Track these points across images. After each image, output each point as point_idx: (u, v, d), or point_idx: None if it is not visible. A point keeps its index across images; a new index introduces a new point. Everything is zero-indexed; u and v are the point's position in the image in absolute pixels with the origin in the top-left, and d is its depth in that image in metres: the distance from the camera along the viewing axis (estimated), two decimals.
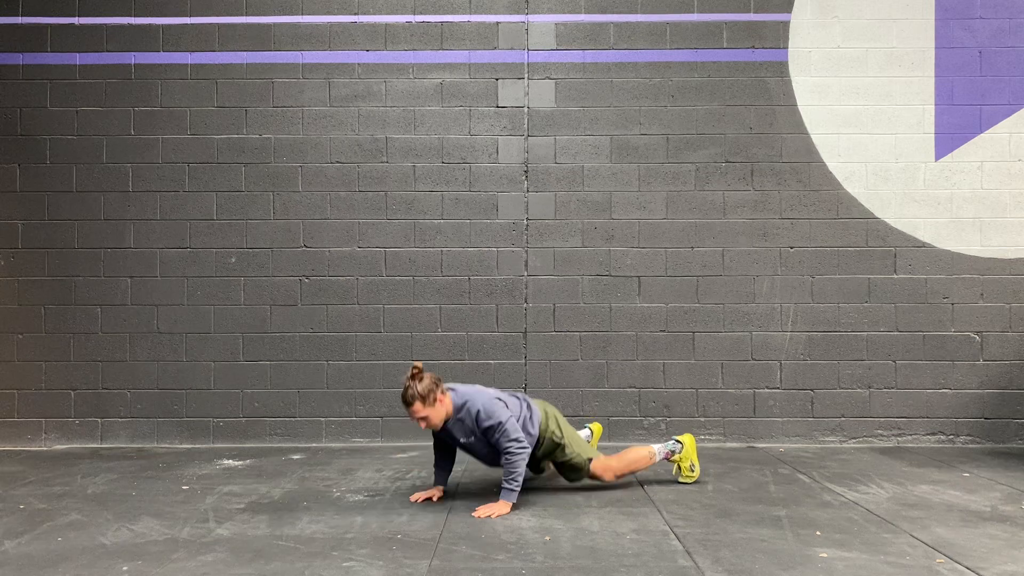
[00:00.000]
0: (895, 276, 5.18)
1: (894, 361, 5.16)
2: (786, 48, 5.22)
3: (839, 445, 5.12)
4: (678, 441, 4.07)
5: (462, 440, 3.64)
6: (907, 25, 5.22)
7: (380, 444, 5.11)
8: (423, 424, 3.51)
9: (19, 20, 5.21)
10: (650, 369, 5.16)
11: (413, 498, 3.73)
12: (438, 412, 3.50)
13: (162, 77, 5.21)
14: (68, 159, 5.19)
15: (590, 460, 3.85)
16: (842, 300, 5.17)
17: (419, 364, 3.51)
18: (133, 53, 5.22)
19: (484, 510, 3.48)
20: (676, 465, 4.06)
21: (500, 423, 3.51)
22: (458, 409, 3.57)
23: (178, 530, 3.30)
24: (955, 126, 5.20)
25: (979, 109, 5.20)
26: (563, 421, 3.87)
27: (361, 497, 3.82)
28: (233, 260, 5.19)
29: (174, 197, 5.20)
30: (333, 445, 5.12)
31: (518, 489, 3.54)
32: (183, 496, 3.86)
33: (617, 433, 5.11)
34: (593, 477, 3.87)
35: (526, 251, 5.20)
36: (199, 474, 4.33)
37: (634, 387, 5.16)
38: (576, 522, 3.39)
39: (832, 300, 5.18)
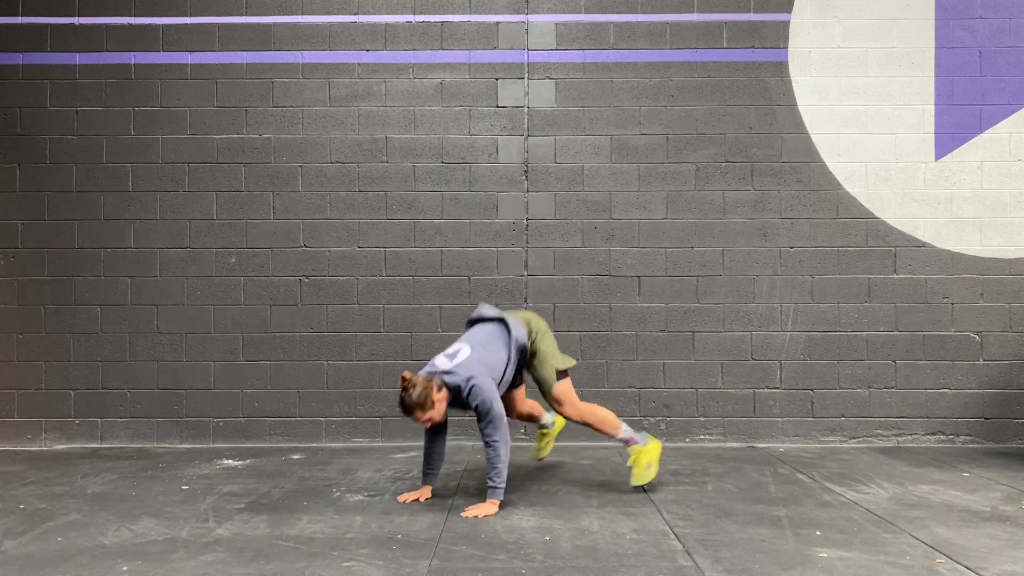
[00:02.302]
0: (895, 276, 5.18)
1: (894, 361, 5.16)
2: (786, 48, 5.22)
3: (839, 445, 5.12)
4: (647, 438, 3.97)
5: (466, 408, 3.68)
6: (907, 25, 5.22)
7: (380, 444, 5.11)
8: (428, 424, 3.56)
9: (19, 20, 5.21)
10: (650, 369, 5.16)
11: (401, 498, 3.73)
12: (439, 410, 3.53)
13: (162, 77, 5.22)
14: (68, 159, 5.19)
15: (561, 373, 3.83)
16: (842, 300, 5.17)
17: (407, 374, 3.50)
18: (133, 53, 5.22)
19: (472, 511, 3.49)
20: (633, 458, 3.92)
21: (487, 411, 3.53)
22: (454, 391, 3.58)
23: (178, 530, 3.30)
24: (955, 126, 5.20)
25: (979, 109, 5.20)
26: (547, 337, 3.89)
27: (361, 497, 3.82)
28: (233, 260, 5.19)
29: (174, 197, 5.20)
30: (333, 445, 5.12)
31: (503, 486, 3.55)
32: (183, 496, 3.86)
33: None
34: (553, 400, 3.84)
35: (526, 251, 5.20)
36: (199, 474, 4.33)
37: (634, 387, 5.16)
38: (576, 522, 3.39)
39: (832, 300, 5.18)
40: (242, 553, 3.00)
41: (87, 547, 3.08)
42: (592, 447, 4.97)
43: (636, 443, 3.94)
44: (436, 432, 3.77)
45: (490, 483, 3.55)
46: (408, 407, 3.47)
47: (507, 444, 3.59)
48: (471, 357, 3.63)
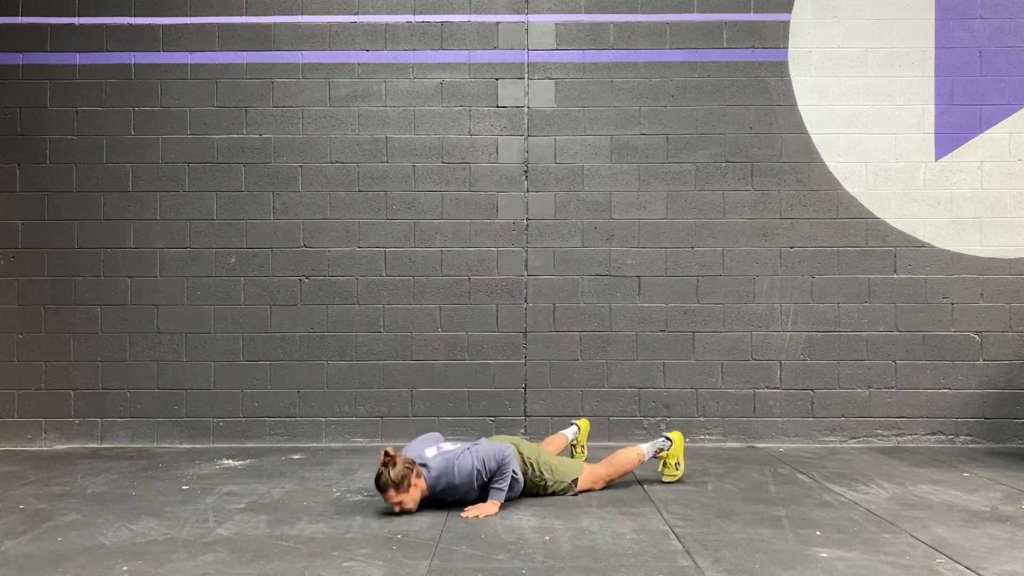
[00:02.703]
0: (895, 276, 5.18)
1: (894, 361, 5.16)
2: (786, 48, 5.22)
3: (839, 445, 5.12)
4: (668, 438, 4.09)
5: (459, 491, 3.60)
6: (907, 25, 5.22)
7: (380, 444, 5.11)
8: (397, 508, 3.47)
9: (19, 20, 5.21)
10: (650, 369, 5.16)
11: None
12: (412, 496, 3.48)
13: (162, 77, 5.21)
14: (68, 159, 5.19)
15: (574, 481, 3.85)
16: (842, 300, 5.17)
17: (390, 450, 3.46)
18: (133, 53, 5.22)
19: (473, 510, 3.49)
20: (662, 462, 4.08)
21: (475, 468, 3.52)
22: (433, 485, 3.53)
23: (178, 530, 3.30)
24: (955, 126, 5.20)
25: (979, 109, 5.20)
26: (538, 456, 3.82)
27: (361, 497, 3.82)
28: (233, 260, 5.19)
29: (174, 197, 5.20)
30: (333, 445, 5.12)
31: (506, 489, 3.56)
32: (183, 496, 3.86)
33: (617, 433, 5.11)
34: (583, 491, 3.90)
35: (526, 251, 5.20)
36: (199, 474, 4.33)
37: (634, 387, 5.16)
38: (576, 522, 3.39)
39: (832, 300, 5.18)
40: (242, 553, 3.00)
41: (87, 547, 3.08)
42: (592, 447, 4.96)
43: (663, 450, 4.07)
44: None
45: (494, 485, 3.56)
46: (383, 484, 3.43)
47: (512, 466, 3.60)
48: (452, 462, 3.56)
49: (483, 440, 3.80)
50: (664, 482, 4.06)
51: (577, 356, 5.13)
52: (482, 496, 3.60)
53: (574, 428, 4.50)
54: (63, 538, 3.20)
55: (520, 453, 3.77)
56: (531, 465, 3.77)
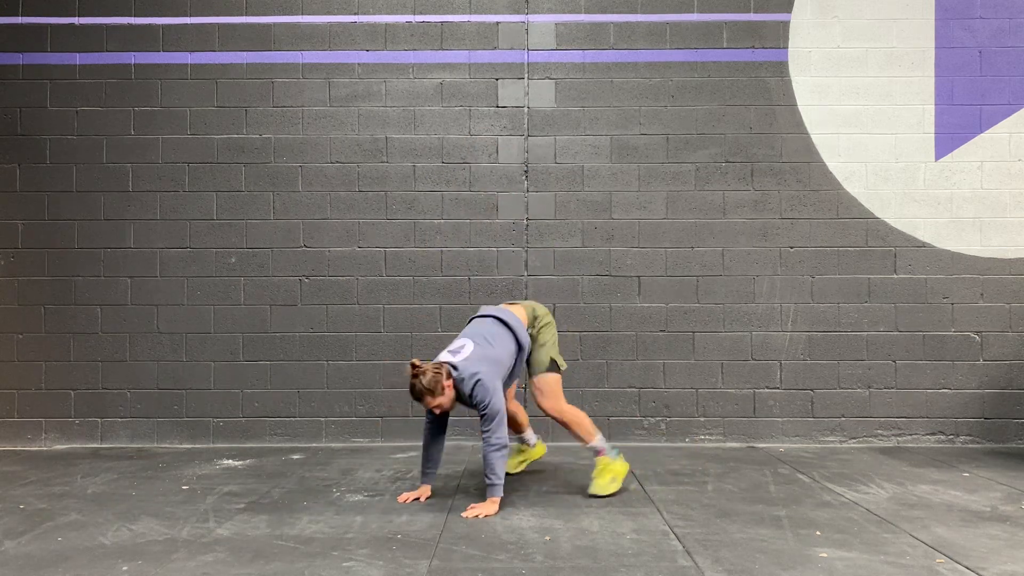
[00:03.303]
0: (895, 276, 5.18)
1: (894, 361, 5.16)
2: (786, 48, 5.22)
3: (839, 445, 5.12)
4: (618, 455, 3.90)
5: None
6: (907, 25, 5.22)
7: (380, 444, 5.11)
8: (437, 410, 3.58)
9: (19, 20, 5.21)
10: (650, 369, 5.16)
11: (401, 498, 3.73)
12: (448, 396, 3.56)
13: (162, 77, 5.22)
14: (68, 159, 5.19)
15: (558, 368, 3.86)
16: (842, 300, 5.17)
17: (416, 361, 3.54)
18: (133, 53, 5.22)
19: (472, 511, 3.49)
20: (599, 468, 3.86)
21: (488, 410, 3.54)
22: (462, 388, 3.59)
23: (178, 530, 3.30)
24: (955, 126, 5.20)
25: (979, 109, 5.20)
26: (550, 328, 3.92)
27: (361, 497, 3.82)
28: (233, 260, 5.19)
29: (174, 197, 5.20)
30: (333, 445, 5.12)
31: (501, 483, 3.55)
32: (183, 496, 3.86)
33: (617, 433, 5.11)
34: (536, 388, 3.86)
35: (526, 251, 5.20)
36: (199, 474, 4.33)
37: (634, 387, 5.16)
38: (576, 522, 3.39)
39: (832, 300, 5.18)
40: (242, 553, 3.00)
41: (87, 547, 3.09)
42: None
43: (605, 454, 3.88)
44: (436, 431, 3.77)
45: (487, 481, 3.55)
46: (419, 392, 3.51)
47: (506, 445, 3.60)
48: (475, 353, 3.64)
49: (496, 333, 3.76)
50: (588, 492, 3.80)
51: (577, 356, 5.13)
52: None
53: (535, 441, 4.33)
54: (63, 538, 3.20)
55: (533, 309, 3.92)
56: (540, 320, 3.90)
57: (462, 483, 4.09)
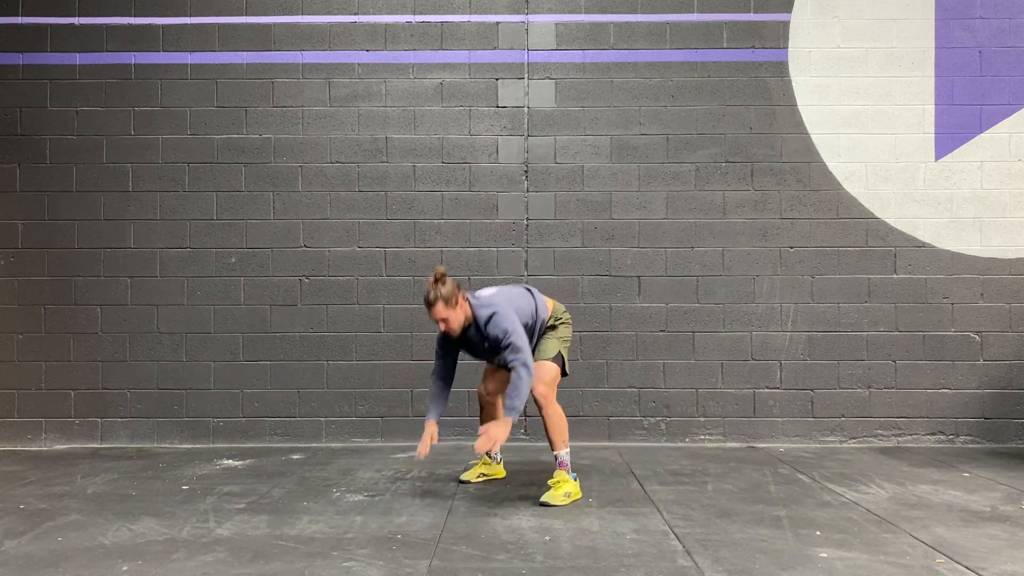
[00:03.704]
0: (895, 276, 5.18)
1: (894, 361, 5.16)
2: (786, 48, 5.22)
3: (839, 445, 5.12)
4: (575, 479, 3.80)
5: (477, 347, 3.71)
6: (907, 25, 5.22)
7: (380, 444, 5.11)
8: (443, 326, 3.57)
9: (19, 20, 5.21)
10: (650, 369, 5.16)
11: (419, 452, 3.65)
12: (457, 316, 3.56)
13: (162, 77, 5.22)
14: (68, 159, 5.19)
15: (562, 361, 3.83)
16: (842, 300, 5.17)
17: (442, 268, 3.54)
18: (133, 53, 5.22)
19: (485, 442, 3.45)
20: (556, 480, 3.72)
21: (509, 337, 3.52)
22: (476, 317, 3.61)
23: (178, 530, 3.30)
24: (955, 126, 5.20)
25: (979, 109, 5.20)
26: (567, 328, 3.93)
27: (361, 497, 3.82)
28: (233, 260, 5.19)
29: (174, 197, 5.20)
30: (333, 445, 5.12)
31: (520, 407, 3.50)
32: (183, 496, 3.86)
33: (617, 433, 5.12)
34: (535, 397, 3.78)
35: (526, 251, 5.20)
36: (199, 474, 4.33)
37: (634, 387, 5.16)
38: (576, 522, 3.39)
39: (832, 300, 5.18)
40: (242, 553, 3.00)
41: (87, 547, 3.08)
42: (592, 447, 4.98)
43: (566, 470, 3.75)
44: (443, 376, 3.81)
45: (510, 403, 3.48)
46: (434, 299, 3.49)
47: (531, 371, 3.53)
48: (498, 293, 3.70)
49: (521, 293, 3.82)
50: (540, 501, 3.66)
51: (577, 356, 5.13)
52: (491, 356, 3.72)
53: (500, 457, 4.21)
54: (63, 538, 3.20)
55: (558, 307, 3.94)
56: (561, 317, 3.92)
57: (462, 483, 4.09)
